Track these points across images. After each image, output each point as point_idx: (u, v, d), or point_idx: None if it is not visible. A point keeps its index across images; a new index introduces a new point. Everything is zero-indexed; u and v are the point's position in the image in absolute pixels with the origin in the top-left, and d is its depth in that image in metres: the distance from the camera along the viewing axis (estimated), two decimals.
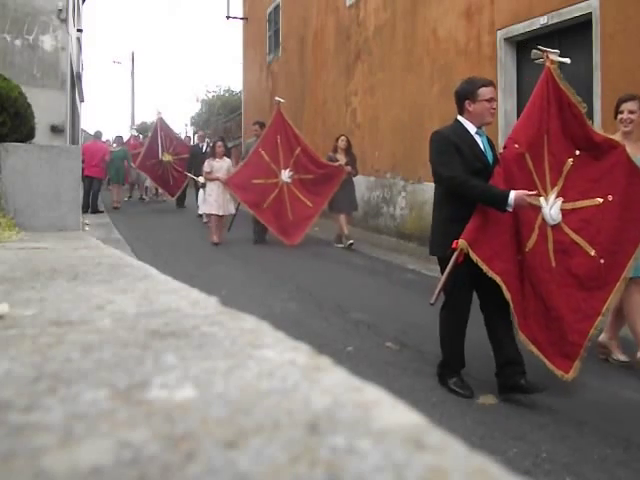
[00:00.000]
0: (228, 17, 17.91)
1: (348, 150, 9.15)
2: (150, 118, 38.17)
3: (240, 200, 8.96)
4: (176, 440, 0.52)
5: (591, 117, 6.17)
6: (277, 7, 15.24)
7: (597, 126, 6.08)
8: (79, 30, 17.20)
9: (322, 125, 12.23)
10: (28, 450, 0.50)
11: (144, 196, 16.99)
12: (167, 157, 13.70)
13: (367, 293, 6.14)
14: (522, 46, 7.29)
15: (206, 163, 9.39)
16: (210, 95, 27.27)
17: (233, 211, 9.24)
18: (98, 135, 14.69)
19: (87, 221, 9.47)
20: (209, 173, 9.24)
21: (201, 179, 11.27)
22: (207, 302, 1.18)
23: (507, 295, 3.44)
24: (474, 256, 3.38)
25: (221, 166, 9.25)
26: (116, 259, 2.05)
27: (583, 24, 6.30)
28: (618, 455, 2.79)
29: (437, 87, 8.59)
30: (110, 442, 0.51)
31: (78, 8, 16.19)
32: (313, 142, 12.24)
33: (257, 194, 8.77)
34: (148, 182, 15.92)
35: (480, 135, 3.62)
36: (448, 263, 3.46)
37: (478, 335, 4.76)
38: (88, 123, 66.52)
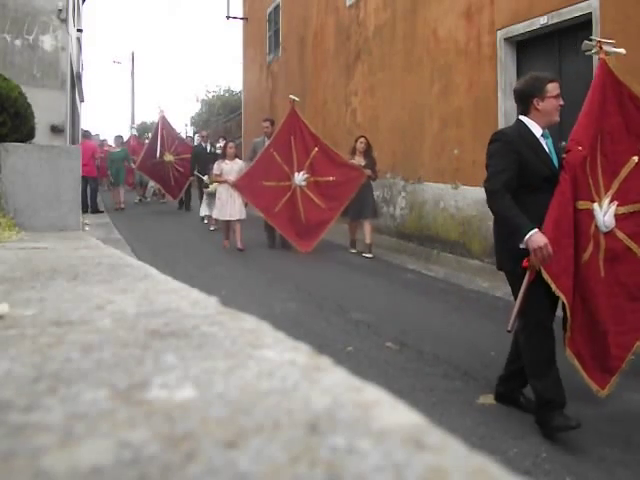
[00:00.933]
0: (228, 17, 17.92)
1: (367, 152, 8.67)
2: (150, 118, 38.25)
3: (250, 203, 8.55)
4: (176, 440, 0.52)
5: None
6: (277, 7, 15.24)
7: None
8: (79, 30, 17.19)
9: (322, 125, 12.23)
10: (28, 450, 0.50)
11: (144, 197, 16.69)
12: (168, 157, 13.32)
13: (367, 293, 6.14)
14: (522, 46, 7.30)
15: (215, 165, 8.95)
16: (210, 95, 27.30)
17: (243, 216, 8.70)
18: (87, 134, 14.52)
19: (87, 221, 9.46)
20: (218, 176, 8.75)
21: (205, 178, 10.92)
22: (207, 302, 1.18)
23: (568, 312, 3.17)
24: (545, 275, 3.06)
25: (231, 168, 8.71)
26: (116, 259, 2.05)
27: (583, 24, 6.29)
28: (618, 455, 2.79)
29: (437, 87, 8.59)
30: (110, 442, 0.51)
31: (78, 8, 16.19)
32: None
33: (268, 197, 8.26)
34: (152, 183, 15.51)
35: (546, 137, 3.29)
36: (518, 278, 3.16)
37: (478, 334, 4.77)
38: (88, 123, 66.51)
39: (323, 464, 0.47)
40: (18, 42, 10.41)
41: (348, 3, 11.40)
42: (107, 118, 73.29)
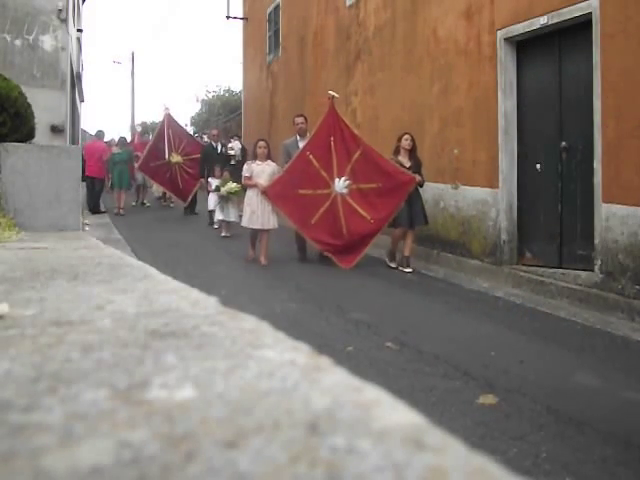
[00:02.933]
0: (228, 17, 17.92)
1: (412, 152, 7.64)
2: (150, 118, 38.24)
3: (283, 214, 7.42)
4: (176, 440, 0.52)
5: (591, 117, 6.19)
6: (277, 7, 15.24)
7: (597, 125, 6.09)
8: (79, 30, 17.20)
9: None
10: (28, 450, 0.50)
11: (145, 200, 15.24)
12: (176, 158, 12.29)
13: (367, 293, 6.14)
14: (522, 46, 7.29)
15: (245, 166, 7.85)
16: (210, 95, 27.32)
17: (276, 225, 7.61)
18: (99, 135, 13.99)
19: (87, 221, 9.44)
20: (248, 178, 7.61)
21: (214, 182, 10.10)
22: (207, 302, 1.18)
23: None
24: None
25: (263, 170, 7.59)
26: (116, 259, 2.05)
27: (583, 24, 6.29)
28: (618, 455, 2.79)
29: (437, 87, 8.59)
30: (110, 442, 0.51)
31: (78, 8, 16.19)
32: None
33: (303, 208, 7.27)
34: (154, 187, 14.45)
35: None
36: None
37: (478, 334, 4.77)
38: (88, 123, 66.55)
39: (323, 464, 0.47)
40: (18, 42, 10.41)
41: (348, 3, 11.40)
42: (107, 118, 73.33)
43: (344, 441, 0.51)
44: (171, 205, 14.20)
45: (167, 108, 12.71)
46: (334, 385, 0.66)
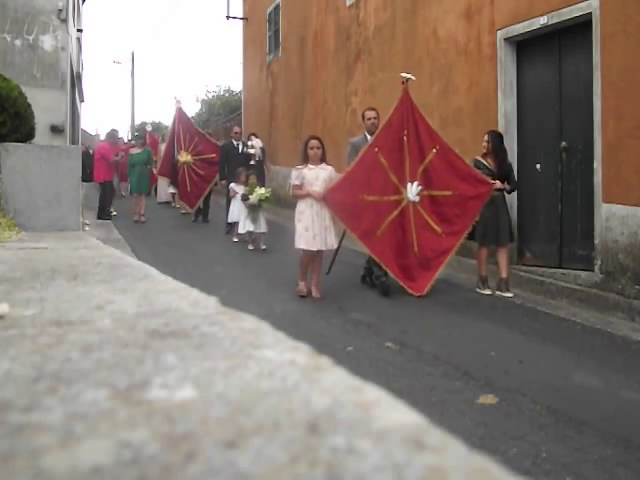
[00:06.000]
0: (228, 17, 17.91)
1: (499, 154, 6.38)
2: (150, 118, 38.26)
3: (343, 225, 6.02)
4: (176, 440, 0.52)
5: (591, 117, 6.19)
6: (277, 7, 15.23)
7: (597, 125, 6.09)
8: (79, 30, 17.19)
9: (322, 125, 12.23)
10: (28, 450, 0.50)
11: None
12: (185, 157, 11.04)
13: (367, 293, 6.14)
14: (522, 46, 7.30)
15: (294, 172, 6.11)
16: (210, 95, 27.31)
17: (335, 244, 6.03)
18: (113, 134, 12.86)
19: (87, 221, 9.43)
20: (298, 187, 5.99)
21: (239, 189, 8.94)
22: (207, 302, 1.18)
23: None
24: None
25: (316, 176, 5.96)
26: (116, 259, 2.05)
27: (583, 24, 6.29)
28: (618, 455, 2.79)
29: (437, 87, 8.59)
30: (110, 442, 0.51)
31: (78, 8, 16.19)
32: None
33: (370, 217, 5.97)
34: (171, 188, 12.96)
35: None
36: None
37: (478, 334, 4.77)
38: (88, 123, 66.55)
39: (323, 464, 0.47)
40: (18, 42, 10.41)
41: (348, 3, 11.40)
42: (107, 118, 73.32)
43: (344, 441, 0.51)
44: (184, 211, 12.37)
45: (179, 101, 11.64)
46: (334, 385, 0.66)
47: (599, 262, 6.05)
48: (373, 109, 6.68)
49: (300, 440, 0.52)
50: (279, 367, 0.72)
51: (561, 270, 6.59)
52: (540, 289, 6.42)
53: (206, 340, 0.86)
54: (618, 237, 5.84)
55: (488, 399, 3.45)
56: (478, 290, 6.27)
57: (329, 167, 6.08)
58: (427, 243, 6.04)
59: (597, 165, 6.10)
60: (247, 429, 0.54)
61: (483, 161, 6.38)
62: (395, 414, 0.58)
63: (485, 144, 6.39)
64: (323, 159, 6.06)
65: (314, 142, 6.04)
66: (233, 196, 9.36)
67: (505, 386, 3.62)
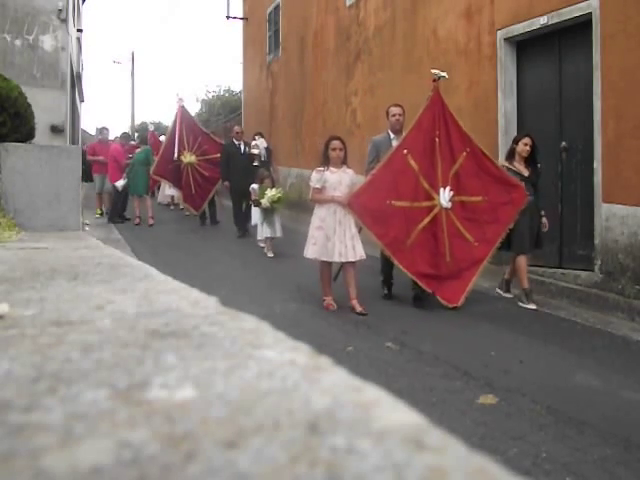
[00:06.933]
0: (228, 17, 17.91)
1: (531, 159, 5.97)
2: (150, 118, 38.24)
3: (370, 232, 5.53)
4: (176, 440, 0.52)
5: (591, 117, 6.19)
6: (277, 7, 15.23)
7: (597, 125, 6.09)
8: (79, 30, 17.19)
9: (322, 125, 12.23)
10: (28, 450, 0.50)
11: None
12: (188, 157, 10.66)
13: (367, 293, 6.14)
14: (522, 46, 7.30)
15: (314, 175, 5.55)
16: (210, 95, 27.33)
17: (363, 254, 5.48)
18: (125, 136, 12.51)
19: (87, 221, 9.42)
20: (319, 191, 5.52)
21: (255, 191, 8.43)
22: (207, 302, 1.18)
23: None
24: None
25: (339, 180, 5.49)
26: (116, 259, 2.05)
27: (583, 24, 6.30)
28: (618, 455, 2.79)
29: None
30: (110, 442, 0.51)
31: (78, 8, 16.19)
32: (313, 144, 12.25)
33: (397, 223, 5.52)
34: (170, 190, 12.67)
35: None
36: None
37: (478, 334, 4.77)
38: (88, 123, 66.58)
39: (323, 464, 0.47)
40: (18, 42, 10.41)
41: (348, 3, 11.40)
42: (107, 118, 73.35)
43: (344, 441, 0.51)
44: (186, 214, 12.20)
45: (181, 99, 11.20)
46: (334, 385, 0.66)
47: (599, 262, 6.05)
48: (399, 105, 6.18)
49: (300, 440, 0.52)
50: (279, 367, 0.72)
51: (561, 270, 6.59)
52: (540, 289, 6.42)
53: (206, 340, 0.86)
54: (618, 237, 5.84)
55: (488, 399, 3.45)
56: (521, 304, 5.77)
57: (350, 170, 5.62)
58: (459, 252, 5.67)
59: (597, 165, 6.10)
60: (247, 429, 0.54)
61: (513, 167, 5.95)
62: (395, 414, 0.58)
63: (527, 148, 5.91)
64: (345, 161, 5.59)
65: (336, 143, 5.54)
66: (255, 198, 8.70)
67: (505, 386, 3.62)
